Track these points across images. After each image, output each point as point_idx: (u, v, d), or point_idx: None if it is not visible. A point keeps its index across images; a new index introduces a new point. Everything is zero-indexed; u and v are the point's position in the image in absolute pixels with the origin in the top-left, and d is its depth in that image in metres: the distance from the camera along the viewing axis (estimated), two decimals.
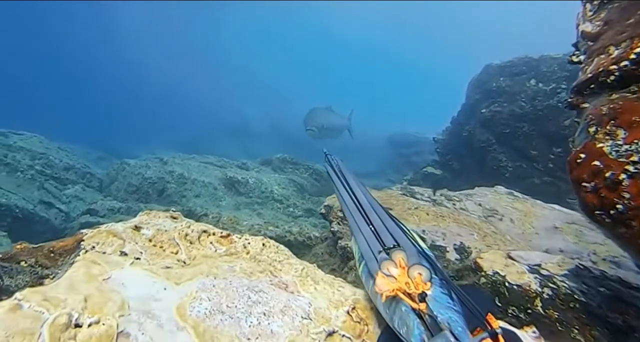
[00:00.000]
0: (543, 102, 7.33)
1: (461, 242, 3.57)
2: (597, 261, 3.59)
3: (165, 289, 1.36)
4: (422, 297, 1.36)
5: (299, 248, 5.47)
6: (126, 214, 6.89)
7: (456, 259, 3.38)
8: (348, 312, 1.52)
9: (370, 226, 1.91)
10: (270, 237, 5.48)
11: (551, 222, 4.21)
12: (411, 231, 1.98)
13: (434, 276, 1.50)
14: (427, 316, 1.32)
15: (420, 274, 1.45)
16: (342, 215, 4.20)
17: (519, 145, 7.59)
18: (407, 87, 47.09)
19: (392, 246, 1.71)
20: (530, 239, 4.00)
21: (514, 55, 8.57)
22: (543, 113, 7.28)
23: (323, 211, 4.46)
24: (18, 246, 1.51)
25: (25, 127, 10.31)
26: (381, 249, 1.70)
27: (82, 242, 1.47)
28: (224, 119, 23.12)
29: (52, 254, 1.49)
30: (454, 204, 4.57)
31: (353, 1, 40.16)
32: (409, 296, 1.39)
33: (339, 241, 3.99)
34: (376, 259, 1.65)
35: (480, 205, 4.57)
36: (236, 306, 1.38)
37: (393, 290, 1.41)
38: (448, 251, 3.50)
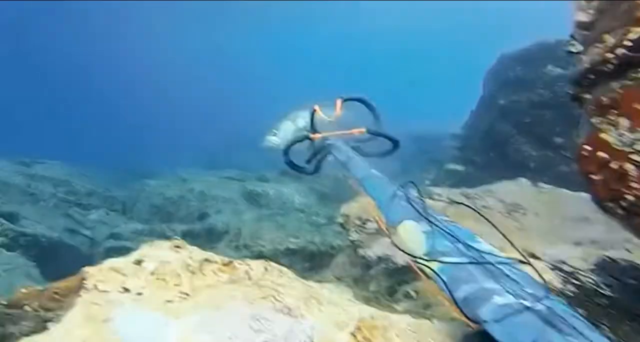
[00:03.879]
0: (564, 88, 7.08)
1: None
2: (632, 249, 3.41)
3: (166, 325, 1.37)
4: None
5: (322, 258, 5.44)
6: (149, 235, 6.97)
7: None
8: (352, 333, 1.50)
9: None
10: (293, 249, 5.54)
11: (580, 212, 4.03)
12: None
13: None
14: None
15: None
16: (359, 223, 4.15)
17: (542, 133, 7.34)
18: (428, 80, 45.38)
19: None
20: (558, 231, 3.84)
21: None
22: (565, 98, 7.02)
23: (340, 220, 4.41)
24: (23, 290, 1.55)
25: (48, 153, 10.61)
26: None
27: (84, 281, 1.50)
28: (242, 130, 23.26)
29: (56, 296, 1.52)
30: (474, 202, 4.44)
31: None
32: None
33: (358, 250, 3.95)
34: None
35: (502, 200, 4.43)
36: (237, 337, 1.37)
37: None
38: None
